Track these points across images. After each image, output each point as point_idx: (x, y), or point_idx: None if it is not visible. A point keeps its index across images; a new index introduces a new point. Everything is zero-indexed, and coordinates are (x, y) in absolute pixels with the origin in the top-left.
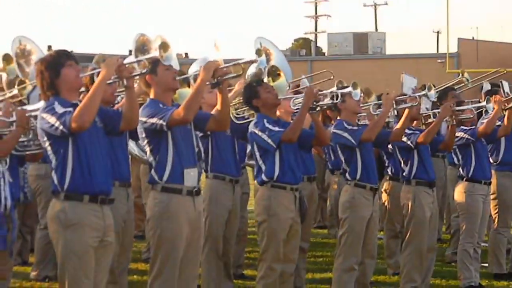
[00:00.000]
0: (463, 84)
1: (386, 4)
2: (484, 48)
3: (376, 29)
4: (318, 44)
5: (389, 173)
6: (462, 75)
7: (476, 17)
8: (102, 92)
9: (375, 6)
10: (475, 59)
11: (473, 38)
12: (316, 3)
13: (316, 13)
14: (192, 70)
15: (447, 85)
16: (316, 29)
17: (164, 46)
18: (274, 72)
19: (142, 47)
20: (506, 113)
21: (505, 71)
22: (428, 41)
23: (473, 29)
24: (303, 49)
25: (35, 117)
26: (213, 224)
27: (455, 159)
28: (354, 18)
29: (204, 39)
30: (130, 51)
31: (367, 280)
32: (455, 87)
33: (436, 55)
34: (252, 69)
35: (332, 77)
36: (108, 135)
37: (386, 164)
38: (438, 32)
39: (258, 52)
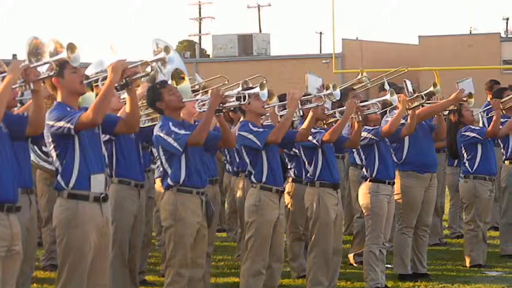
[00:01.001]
0: (362, 84)
1: (270, 5)
2: (368, 48)
3: (260, 31)
4: (202, 46)
5: (292, 175)
6: (362, 74)
7: (359, 18)
8: (7, 96)
9: (258, 8)
10: (360, 59)
11: (357, 38)
12: (200, 5)
13: (200, 15)
14: (89, 73)
15: (347, 85)
16: (200, 31)
17: (71, 47)
18: (178, 75)
19: (35, 50)
20: (410, 112)
21: (406, 69)
22: (311, 42)
23: (356, 29)
24: (188, 51)
25: None
26: (119, 230)
27: (357, 158)
28: (238, 19)
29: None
30: (14, 55)
31: (275, 284)
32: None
33: (320, 55)
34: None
35: (226, 82)
36: (13, 140)
37: (289, 166)
38: (321, 33)
39: (166, 50)
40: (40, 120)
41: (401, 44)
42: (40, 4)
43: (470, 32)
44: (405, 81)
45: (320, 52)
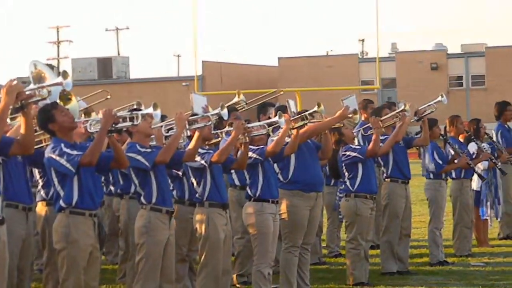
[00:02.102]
0: (240, 105)
1: (128, 28)
2: (228, 70)
3: (119, 54)
4: (61, 70)
5: (174, 196)
6: (239, 96)
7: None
8: None
9: (117, 30)
10: (220, 81)
11: (217, 60)
12: (58, 28)
13: (58, 38)
14: None
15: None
16: (58, 55)
17: None
18: (65, 96)
19: None
20: (294, 132)
21: (282, 92)
22: (170, 65)
23: (216, 52)
24: None
25: None
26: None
27: (236, 180)
28: (97, 42)
29: None
30: None
31: None
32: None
33: (179, 78)
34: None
35: (109, 97)
36: None
37: (172, 188)
38: (178, 56)
39: (64, 75)
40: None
41: (260, 66)
42: None
43: (327, 54)
44: (288, 101)
45: (178, 74)
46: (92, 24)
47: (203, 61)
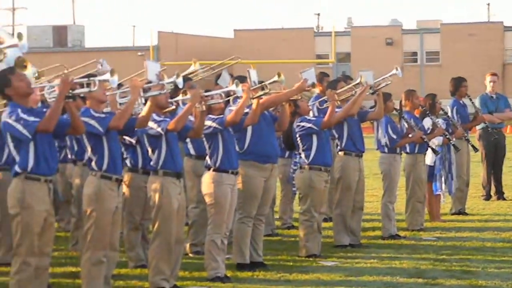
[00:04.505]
0: (195, 73)
1: None
2: (183, 41)
3: (74, 22)
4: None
5: (128, 164)
6: (195, 64)
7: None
8: None
9: None
10: (175, 51)
11: (172, 31)
12: None
13: (13, 5)
14: None
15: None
16: (13, 22)
17: None
18: (21, 63)
19: None
20: (254, 102)
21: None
22: (125, 35)
23: (172, 22)
24: None
25: None
26: None
27: (192, 150)
28: (52, 10)
29: None
30: None
31: (109, 273)
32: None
33: (135, 47)
34: None
35: (66, 71)
36: None
37: (125, 155)
38: (134, 26)
39: (19, 37)
40: None
41: (216, 38)
42: None
43: (283, 27)
44: (248, 71)
45: (134, 44)
46: None
47: (158, 31)
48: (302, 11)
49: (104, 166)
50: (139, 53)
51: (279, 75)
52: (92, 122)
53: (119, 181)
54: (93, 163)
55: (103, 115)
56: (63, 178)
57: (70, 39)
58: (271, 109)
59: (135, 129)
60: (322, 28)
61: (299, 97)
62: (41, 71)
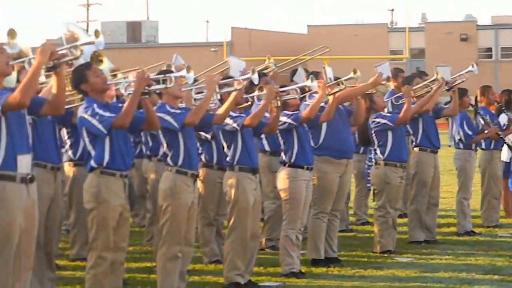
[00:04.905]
0: (269, 69)
1: None
2: (257, 37)
3: (148, 18)
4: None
5: (203, 159)
6: (269, 60)
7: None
8: None
9: None
10: (248, 47)
11: (246, 27)
12: None
13: (88, 1)
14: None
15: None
16: (88, 18)
17: (11, 33)
18: (96, 58)
19: None
20: (330, 98)
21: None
22: (199, 30)
23: (245, 18)
24: None
25: None
26: None
27: (266, 145)
28: (126, 6)
29: None
30: None
31: (184, 269)
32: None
33: (208, 43)
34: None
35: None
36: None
37: (200, 151)
38: (207, 21)
39: (96, 34)
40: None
41: (290, 34)
42: None
43: (357, 23)
44: (324, 67)
45: (207, 40)
46: None
47: (232, 27)
48: (376, 7)
49: (180, 162)
50: (212, 49)
51: (354, 72)
52: (168, 118)
53: (195, 177)
54: (168, 159)
55: (178, 111)
56: (138, 173)
57: (144, 35)
58: (346, 103)
59: (212, 125)
60: (396, 24)
61: (374, 91)
62: (116, 67)
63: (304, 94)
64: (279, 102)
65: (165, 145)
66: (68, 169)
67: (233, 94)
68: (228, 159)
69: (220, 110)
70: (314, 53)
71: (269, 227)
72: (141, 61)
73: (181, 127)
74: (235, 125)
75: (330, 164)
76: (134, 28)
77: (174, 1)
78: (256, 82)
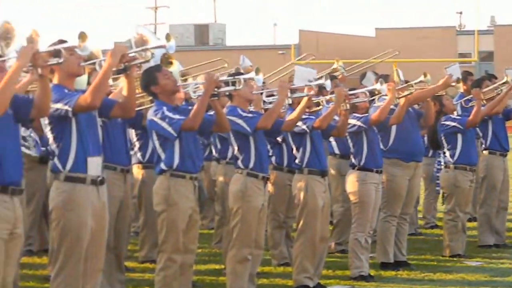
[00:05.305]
0: (337, 72)
1: None
2: (324, 40)
3: (216, 20)
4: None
5: (273, 162)
6: (337, 63)
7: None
8: (16, 80)
9: None
10: (316, 50)
11: (313, 29)
12: None
13: (155, 4)
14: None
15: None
16: (156, 21)
17: (82, 36)
18: (166, 60)
19: (5, 34)
20: (400, 101)
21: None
22: (266, 33)
23: (313, 21)
24: None
25: None
26: None
27: (336, 148)
28: (194, 9)
29: None
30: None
31: (254, 271)
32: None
33: (275, 46)
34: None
35: (226, 65)
36: (17, 122)
37: (270, 154)
38: (275, 24)
39: (167, 37)
40: (45, 104)
41: (358, 36)
42: None
43: (424, 26)
44: (397, 70)
45: (275, 42)
46: None
47: (299, 30)
48: (444, 10)
49: (251, 164)
50: (280, 52)
51: (425, 75)
52: (240, 121)
53: (266, 179)
54: (239, 161)
55: (250, 115)
56: (207, 176)
57: (212, 38)
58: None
59: (282, 131)
60: (464, 27)
61: (444, 94)
62: (185, 70)
63: (373, 97)
64: (348, 105)
65: (236, 148)
66: (137, 171)
67: (304, 100)
68: (297, 161)
69: (291, 116)
70: (383, 57)
71: (338, 230)
72: (209, 63)
73: (253, 131)
74: (304, 127)
75: (400, 167)
76: (201, 31)
77: (241, 4)
78: (328, 89)
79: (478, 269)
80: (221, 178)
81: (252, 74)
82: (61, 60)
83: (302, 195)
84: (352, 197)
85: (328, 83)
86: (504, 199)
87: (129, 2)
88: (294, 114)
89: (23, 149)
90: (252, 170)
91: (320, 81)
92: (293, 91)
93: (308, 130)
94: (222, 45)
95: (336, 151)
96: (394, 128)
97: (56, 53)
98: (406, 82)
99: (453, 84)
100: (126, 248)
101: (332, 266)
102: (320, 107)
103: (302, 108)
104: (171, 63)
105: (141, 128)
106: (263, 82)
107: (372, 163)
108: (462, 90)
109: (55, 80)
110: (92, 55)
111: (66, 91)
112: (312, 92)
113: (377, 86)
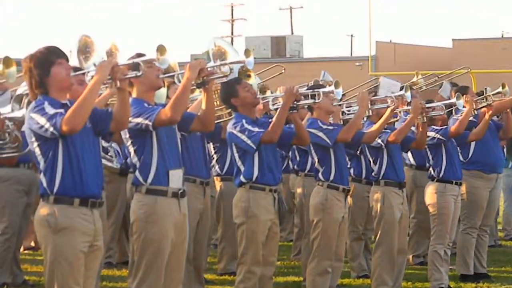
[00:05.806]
0: (417, 85)
1: (302, 7)
2: (401, 51)
3: (292, 32)
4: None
5: (351, 174)
6: (417, 76)
7: (393, 20)
8: (96, 94)
9: (290, 9)
10: (393, 62)
11: (390, 41)
12: (232, 6)
13: (232, 16)
14: None
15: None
16: (232, 33)
17: (161, 49)
18: (244, 73)
19: (84, 48)
20: (484, 116)
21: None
22: (342, 44)
23: (389, 32)
24: None
25: (10, 119)
26: None
27: (412, 160)
28: (270, 21)
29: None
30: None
31: (334, 284)
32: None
33: (352, 58)
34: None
35: (283, 71)
36: (96, 135)
37: (348, 166)
38: (351, 36)
39: (247, 53)
40: (124, 117)
41: (434, 47)
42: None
43: (502, 36)
44: (486, 88)
45: (351, 54)
46: (266, 2)
47: (376, 41)
48: None
49: (331, 177)
50: (357, 64)
51: (503, 86)
52: (320, 134)
53: (346, 192)
54: (320, 174)
55: (330, 127)
56: (285, 188)
57: (289, 50)
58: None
59: (362, 143)
60: None
61: None
62: (265, 83)
63: (451, 109)
64: (425, 118)
65: (316, 160)
66: (216, 183)
67: (388, 112)
68: (374, 173)
69: (373, 128)
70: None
71: (414, 242)
72: (287, 76)
73: (333, 143)
74: (379, 141)
75: (480, 179)
76: (278, 43)
77: (318, 16)
78: (409, 100)
79: None
80: (299, 190)
81: (332, 87)
82: (139, 73)
83: (378, 206)
84: (431, 209)
85: (408, 95)
86: None
87: (205, 14)
88: (376, 126)
89: (104, 161)
90: (333, 183)
91: (400, 93)
92: (372, 102)
93: (383, 145)
94: (299, 57)
95: (412, 162)
96: None
97: (135, 66)
98: (482, 93)
99: None
100: (205, 260)
101: (412, 278)
102: (397, 118)
103: (385, 120)
104: (249, 76)
105: (220, 141)
106: (343, 94)
107: (451, 175)
108: None
109: (134, 94)
110: (169, 68)
111: (146, 105)
112: (393, 105)
113: (453, 100)
